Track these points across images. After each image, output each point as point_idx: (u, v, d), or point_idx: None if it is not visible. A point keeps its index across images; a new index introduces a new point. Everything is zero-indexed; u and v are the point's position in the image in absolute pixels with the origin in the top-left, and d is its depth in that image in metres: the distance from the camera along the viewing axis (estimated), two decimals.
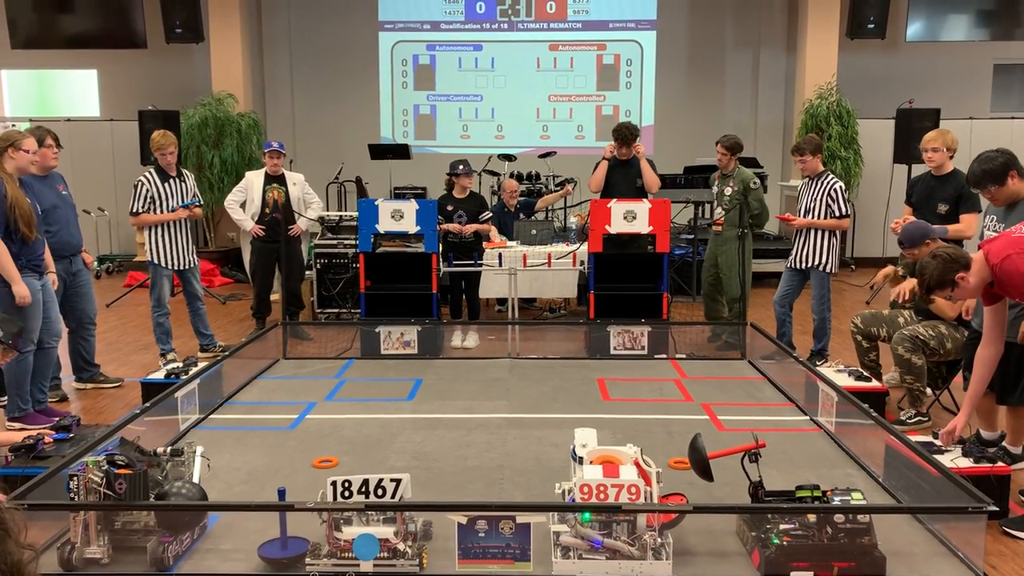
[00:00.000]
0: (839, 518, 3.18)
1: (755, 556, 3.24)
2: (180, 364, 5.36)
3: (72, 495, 3.25)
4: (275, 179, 7.12)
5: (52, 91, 12.40)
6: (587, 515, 3.17)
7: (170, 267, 6.33)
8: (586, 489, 3.17)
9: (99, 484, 3.24)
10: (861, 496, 3.31)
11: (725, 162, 6.73)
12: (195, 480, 3.57)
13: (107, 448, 3.59)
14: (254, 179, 7.15)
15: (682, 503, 3.36)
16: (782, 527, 3.22)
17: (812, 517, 3.22)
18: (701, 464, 3.41)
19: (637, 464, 3.31)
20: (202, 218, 6.83)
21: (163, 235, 6.28)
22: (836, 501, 3.26)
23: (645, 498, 3.19)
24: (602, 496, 3.16)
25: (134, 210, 6.25)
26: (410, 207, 6.60)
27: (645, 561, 3.12)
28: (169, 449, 3.63)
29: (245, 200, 7.16)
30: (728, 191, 6.72)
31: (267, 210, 7.06)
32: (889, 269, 5.42)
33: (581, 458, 3.37)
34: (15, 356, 4.45)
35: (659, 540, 3.16)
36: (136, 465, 3.31)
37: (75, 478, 3.25)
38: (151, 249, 6.29)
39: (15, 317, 4.71)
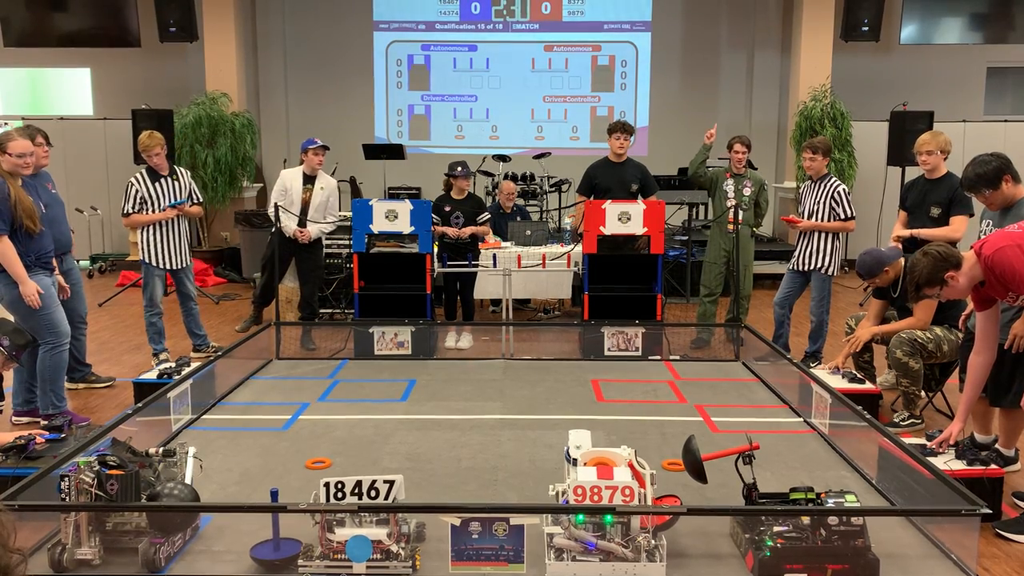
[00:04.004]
0: (833, 520, 3.18)
1: (749, 558, 3.25)
2: (172, 364, 5.34)
3: (63, 496, 3.23)
4: (310, 179, 6.89)
5: (45, 90, 12.35)
6: (581, 517, 3.16)
7: (162, 266, 6.29)
8: (580, 491, 3.15)
9: (90, 485, 3.22)
10: (855, 499, 3.32)
11: (744, 160, 6.74)
12: (187, 481, 3.55)
13: (99, 449, 3.57)
14: (292, 180, 6.86)
15: (676, 505, 3.36)
16: (776, 529, 3.23)
17: (806, 519, 3.23)
18: (695, 466, 3.40)
19: (631, 466, 3.30)
20: (201, 216, 6.72)
21: (155, 235, 6.25)
22: (830, 504, 3.27)
23: (639, 500, 3.18)
24: (596, 498, 3.14)
25: (125, 211, 6.25)
26: (404, 207, 6.59)
27: (639, 563, 3.12)
28: (161, 450, 3.61)
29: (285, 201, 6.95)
30: (747, 191, 6.75)
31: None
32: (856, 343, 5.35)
33: (575, 460, 3.36)
34: (14, 365, 4.52)
35: (653, 542, 3.15)
36: (128, 466, 3.29)
37: (66, 479, 3.23)
38: (143, 248, 6.27)
39: (35, 314, 4.79)
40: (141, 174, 6.27)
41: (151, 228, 6.25)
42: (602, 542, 3.14)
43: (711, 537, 3.47)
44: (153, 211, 6.21)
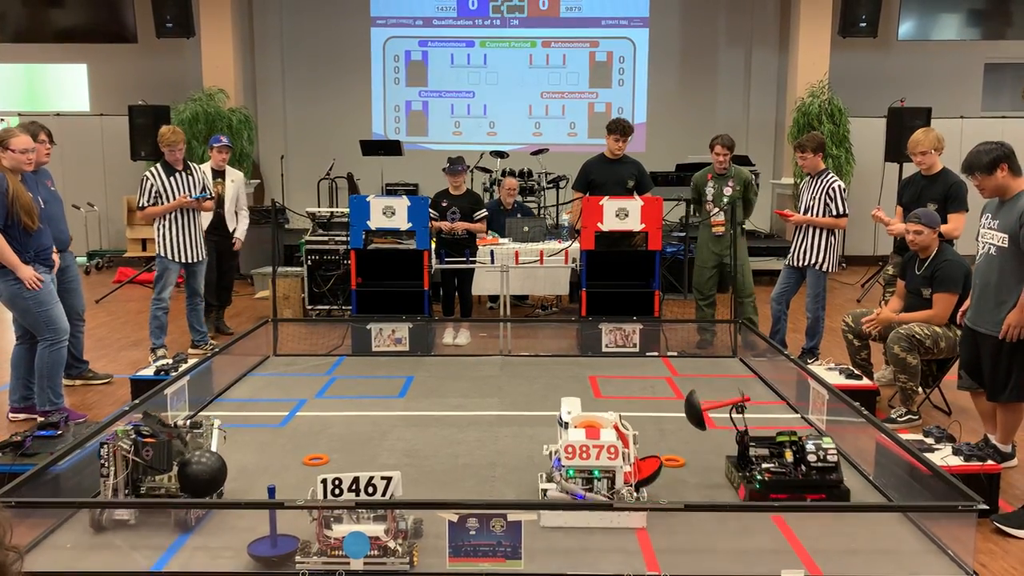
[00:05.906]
0: (812, 458, 3.75)
1: (741, 490, 3.82)
2: (170, 361, 5.33)
3: (103, 461, 3.48)
4: (219, 174, 7.12)
5: (41, 85, 12.32)
6: (572, 470, 3.53)
7: (178, 260, 6.30)
8: (570, 449, 3.56)
9: (128, 451, 3.49)
10: (830, 440, 3.85)
11: (726, 162, 6.68)
12: (213, 450, 3.75)
13: (131, 422, 3.76)
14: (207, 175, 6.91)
15: (656, 468, 3.74)
16: (764, 466, 3.81)
17: (789, 456, 3.82)
18: (696, 415, 3.91)
19: (616, 427, 3.67)
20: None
21: (171, 228, 6.27)
22: (809, 445, 3.81)
23: (622, 457, 3.58)
24: (584, 455, 3.57)
25: (140, 204, 6.28)
26: (402, 204, 6.58)
27: (622, 513, 3.44)
28: (189, 422, 3.86)
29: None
30: (728, 191, 6.68)
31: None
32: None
33: (567, 423, 3.72)
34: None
35: (635, 495, 3.55)
36: (160, 435, 3.55)
37: (106, 446, 3.46)
38: (160, 242, 6.29)
39: (34, 311, 4.79)
40: (156, 168, 6.30)
41: (168, 222, 6.26)
42: (590, 494, 3.52)
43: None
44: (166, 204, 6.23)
